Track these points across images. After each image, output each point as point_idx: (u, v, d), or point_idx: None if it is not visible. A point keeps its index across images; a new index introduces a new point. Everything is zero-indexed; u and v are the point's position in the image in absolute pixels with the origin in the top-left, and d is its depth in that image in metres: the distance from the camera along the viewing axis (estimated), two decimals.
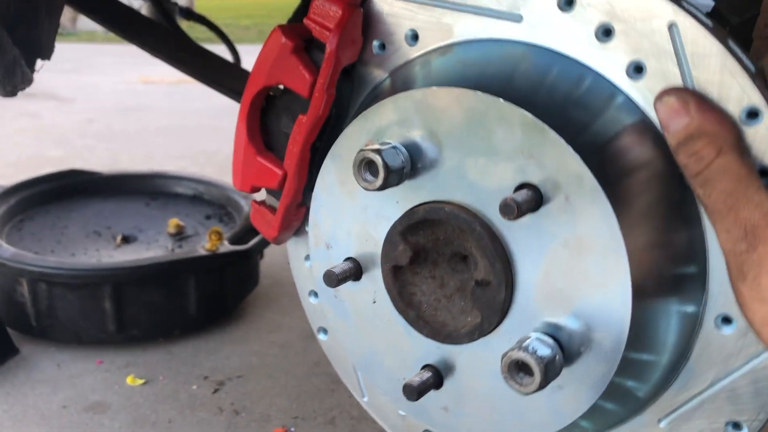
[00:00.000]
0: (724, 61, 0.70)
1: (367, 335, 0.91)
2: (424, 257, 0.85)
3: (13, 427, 1.81)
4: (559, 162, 0.71)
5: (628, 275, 0.70)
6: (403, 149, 0.80)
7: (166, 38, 2.22)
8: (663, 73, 0.73)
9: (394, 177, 0.78)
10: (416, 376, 0.85)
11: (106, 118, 5.44)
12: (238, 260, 2.28)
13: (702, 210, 0.73)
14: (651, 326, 0.75)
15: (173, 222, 2.51)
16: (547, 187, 0.73)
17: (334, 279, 0.87)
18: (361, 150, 0.78)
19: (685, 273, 0.75)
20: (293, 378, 2.04)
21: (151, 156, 4.44)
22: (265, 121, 0.99)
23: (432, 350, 0.86)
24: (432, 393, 0.86)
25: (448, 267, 0.84)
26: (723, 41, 0.71)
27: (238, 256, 2.27)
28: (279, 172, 0.96)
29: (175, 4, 2.42)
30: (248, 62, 1.04)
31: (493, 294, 0.78)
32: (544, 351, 0.73)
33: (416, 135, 0.80)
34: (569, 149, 0.71)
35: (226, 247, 2.25)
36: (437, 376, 0.85)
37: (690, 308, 0.76)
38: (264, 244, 2.34)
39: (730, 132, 0.69)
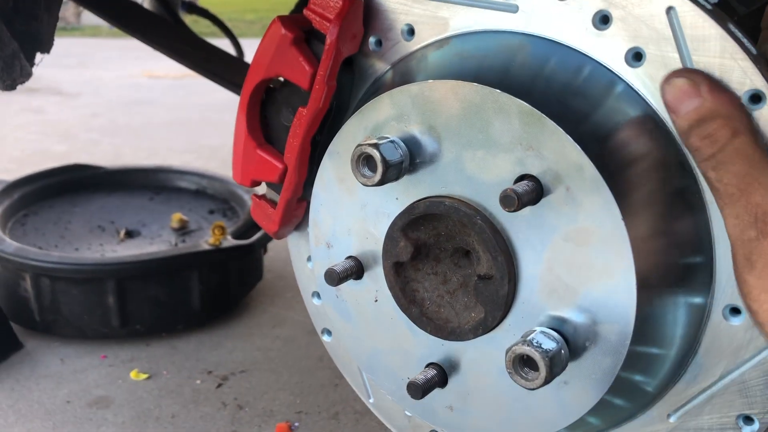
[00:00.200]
0: (724, 45, 0.69)
1: (369, 335, 0.91)
2: (425, 253, 0.84)
3: (18, 422, 1.81)
4: (558, 152, 0.70)
5: (633, 266, 0.69)
6: (402, 143, 0.79)
7: (168, 32, 2.21)
8: (663, 59, 0.71)
9: (392, 172, 0.77)
10: (420, 375, 0.84)
11: (110, 112, 5.44)
12: (242, 255, 2.27)
13: (707, 198, 0.72)
14: (657, 318, 0.74)
15: (176, 216, 2.50)
16: (547, 178, 0.72)
17: (335, 277, 0.86)
18: (359, 145, 0.77)
19: (691, 263, 0.74)
20: (297, 373, 2.04)
21: (156, 150, 4.44)
22: (265, 114, 0.98)
23: (436, 348, 0.85)
24: (437, 391, 0.85)
25: (451, 262, 0.83)
26: (723, 24, 0.69)
27: (242, 251, 2.26)
28: (279, 165, 0.95)
29: None
30: (252, 56, 1.03)
31: (496, 288, 0.77)
32: (549, 345, 0.72)
33: (414, 129, 0.79)
34: (569, 139, 0.69)
35: (229, 241, 2.24)
36: (442, 374, 0.85)
37: (697, 299, 0.75)
38: (267, 238, 2.33)
39: (744, 114, 0.68)
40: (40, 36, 1.30)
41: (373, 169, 0.77)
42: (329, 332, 1.05)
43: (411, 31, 0.86)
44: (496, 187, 0.74)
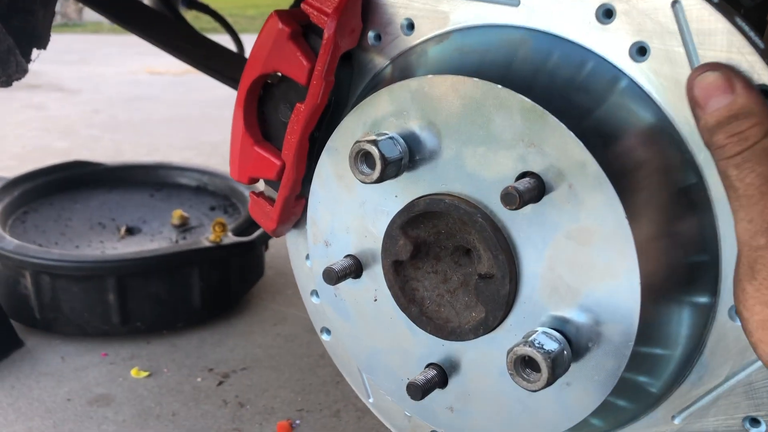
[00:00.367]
0: (731, 39, 0.67)
1: (369, 334, 0.89)
2: (425, 251, 0.82)
3: (18, 420, 1.81)
4: (561, 149, 0.69)
5: (636, 265, 0.68)
6: (401, 140, 0.77)
7: (168, 29, 2.20)
8: (667, 54, 0.70)
9: (391, 169, 0.76)
10: (420, 375, 0.83)
11: (111, 109, 5.44)
12: (243, 251, 2.27)
13: (713, 195, 0.70)
14: (662, 318, 0.72)
15: (177, 213, 2.49)
16: (549, 175, 0.70)
17: (333, 276, 0.85)
18: (357, 141, 0.76)
19: (696, 262, 0.72)
20: (298, 370, 2.03)
21: (157, 146, 4.43)
22: (263, 110, 0.96)
23: (436, 348, 0.83)
24: (437, 392, 0.84)
25: (451, 261, 0.82)
26: (730, 17, 0.67)
27: (243, 248, 2.25)
28: (277, 162, 0.93)
29: None
30: None
31: (497, 287, 0.75)
32: (551, 345, 0.71)
33: (414, 125, 0.78)
34: (571, 135, 0.68)
35: (230, 238, 2.23)
36: (442, 375, 0.83)
37: (702, 299, 0.73)
38: (268, 235, 2.32)
39: None
40: (36, 31, 1.29)
41: (372, 166, 0.76)
42: (328, 331, 1.04)
43: (411, 26, 0.85)
44: (497, 185, 0.73)
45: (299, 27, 0.87)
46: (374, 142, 0.75)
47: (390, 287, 0.84)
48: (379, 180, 0.76)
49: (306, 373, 2.01)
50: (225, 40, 2.45)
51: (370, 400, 1.03)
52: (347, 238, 0.87)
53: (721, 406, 0.75)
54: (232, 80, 2.27)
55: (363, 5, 0.86)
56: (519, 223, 0.73)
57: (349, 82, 0.92)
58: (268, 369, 2.04)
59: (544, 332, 0.72)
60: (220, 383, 1.97)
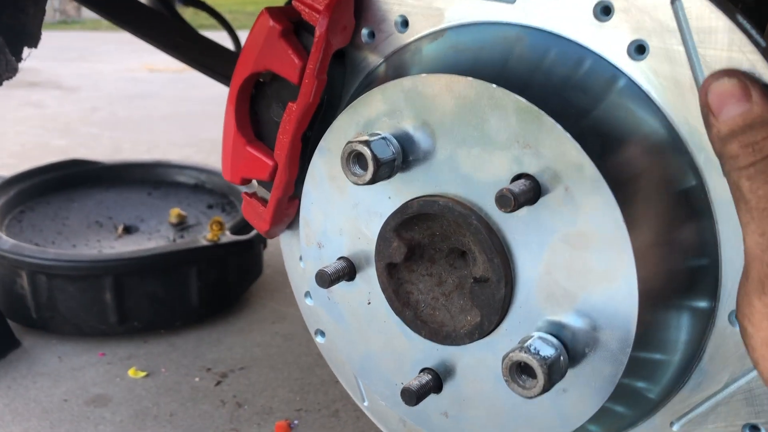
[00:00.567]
0: (732, 37, 0.65)
1: (362, 338, 0.88)
2: (420, 254, 0.81)
3: (15, 421, 1.80)
4: (557, 151, 0.67)
5: (634, 270, 0.66)
6: (394, 140, 0.76)
7: (164, 27, 2.18)
8: (667, 52, 0.68)
9: (384, 170, 0.74)
10: (415, 380, 0.81)
11: (110, 106, 5.43)
12: (241, 250, 2.25)
13: (713, 200, 0.68)
14: (660, 324, 0.71)
15: (175, 212, 2.48)
16: (545, 177, 0.68)
17: (326, 279, 0.83)
18: (350, 142, 0.74)
19: (695, 267, 0.71)
20: (296, 370, 2.01)
21: (156, 144, 4.42)
22: (255, 110, 0.95)
23: (431, 352, 0.82)
24: (432, 397, 0.82)
25: (446, 263, 0.80)
26: (730, 15, 0.65)
27: (241, 246, 2.24)
28: (270, 163, 0.92)
29: None
30: None
31: (492, 291, 0.74)
32: (547, 351, 0.69)
33: (407, 125, 0.76)
34: (568, 137, 0.66)
35: (228, 237, 2.22)
36: (436, 380, 0.82)
37: (702, 304, 0.72)
38: None
39: None
40: (27, 29, 1.27)
41: (364, 167, 0.74)
42: (323, 333, 1.02)
43: (405, 23, 0.83)
44: (491, 187, 0.71)
45: (291, 24, 0.86)
46: (366, 143, 0.74)
47: (384, 290, 0.83)
48: (372, 181, 0.74)
49: (305, 372, 2.00)
50: (223, 37, 2.43)
51: (365, 404, 1.01)
52: (340, 240, 0.86)
53: (721, 412, 0.74)
54: (227, 78, 2.25)
55: (356, 2, 0.85)
56: (514, 226, 0.72)
57: (342, 80, 0.90)
58: (266, 368, 2.02)
59: (540, 337, 0.70)
60: (218, 383, 1.96)
